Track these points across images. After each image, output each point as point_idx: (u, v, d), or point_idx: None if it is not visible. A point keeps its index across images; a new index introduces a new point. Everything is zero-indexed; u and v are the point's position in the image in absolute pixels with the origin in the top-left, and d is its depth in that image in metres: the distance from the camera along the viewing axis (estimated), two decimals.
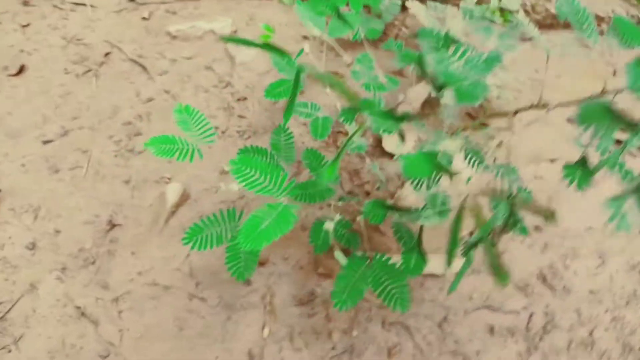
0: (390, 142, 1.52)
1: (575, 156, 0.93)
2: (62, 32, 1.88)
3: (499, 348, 1.20)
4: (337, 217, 1.05)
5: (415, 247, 1.00)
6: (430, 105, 1.65)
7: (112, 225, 1.37)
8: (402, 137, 1.09)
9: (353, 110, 1.01)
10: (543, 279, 1.32)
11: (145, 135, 1.57)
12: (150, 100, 1.67)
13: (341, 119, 1.02)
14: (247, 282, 1.27)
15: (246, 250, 1.08)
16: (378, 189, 1.34)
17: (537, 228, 1.41)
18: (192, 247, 1.07)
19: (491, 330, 1.22)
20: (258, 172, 0.96)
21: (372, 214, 0.99)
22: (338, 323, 1.21)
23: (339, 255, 0.98)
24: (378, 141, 1.57)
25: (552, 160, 1.56)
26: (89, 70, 1.76)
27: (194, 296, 1.24)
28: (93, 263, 1.31)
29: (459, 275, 0.99)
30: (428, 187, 1.05)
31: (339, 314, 1.22)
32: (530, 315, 1.26)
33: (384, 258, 1.05)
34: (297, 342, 1.18)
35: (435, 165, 0.59)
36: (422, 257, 0.99)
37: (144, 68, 1.77)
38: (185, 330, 1.19)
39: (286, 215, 0.93)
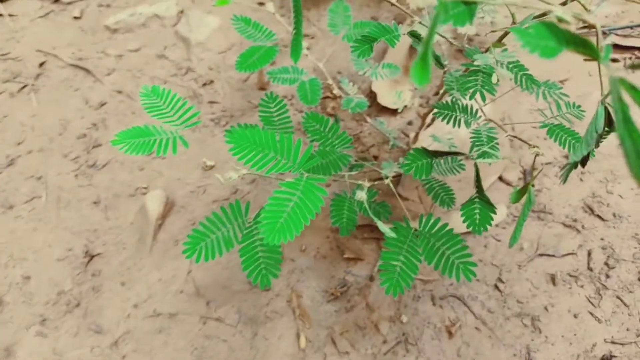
0: (388, 96, 1.31)
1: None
2: None
3: (566, 297, 1.02)
4: (367, 183, 0.84)
5: (478, 195, 0.80)
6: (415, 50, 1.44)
7: (91, 257, 1.13)
8: (437, 61, 0.88)
9: (369, 39, 0.79)
10: (590, 210, 1.14)
11: (106, 145, 1.32)
12: (102, 104, 1.41)
13: (354, 51, 0.79)
14: (265, 288, 1.05)
15: (265, 248, 0.87)
16: (392, 147, 1.13)
17: (567, 157, 1.24)
18: (198, 259, 0.84)
19: (552, 279, 1.04)
20: (264, 146, 0.73)
21: (415, 167, 0.78)
22: (382, 311, 1.01)
23: (383, 227, 0.77)
24: (371, 99, 1.36)
25: (563, 81, 1.38)
26: (25, 86, 1.48)
27: (208, 318, 1.02)
28: (78, 306, 1.06)
29: (522, 218, 0.80)
30: (468, 124, 0.85)
31: (380, 300, 1.02)
32: (589, 254, 1.08)
33: (432, 221, 0.85)
34: (341, 344, 0.98)
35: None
36: (489, 204, 0.79)
37: (87, 71, 1.49)
38: None
39: (312, 191, 0.71)
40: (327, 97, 1.37)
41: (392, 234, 0.78)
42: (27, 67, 1.51)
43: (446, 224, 0.85)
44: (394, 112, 1.31)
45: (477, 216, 0.77)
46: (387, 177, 0.99)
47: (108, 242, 1.14)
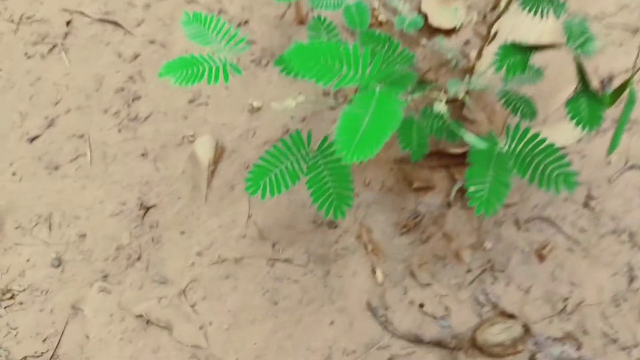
0: (440, 15, 1.20)
1: None
2: (6, 16, 1.51)
3: None
4: (443, 96, 0.75)
5: (584, 88, 0.70)
6: None
7: (146, 209, 1.07)
8: None
9: None
10: None
11: (146, 97, 1.25)
12: (136, 57, 1.33)
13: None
14: (332, 225, 0.98)
15: (334, 177, 0.79)
16: (455, 67, 1.03)
17: None
18: (263, 195, 0.77)
19: None
20: (327, 57, 0.65)
21: (507, 64, 0.69)
22: (462, 239, 0.93)
23: (469, 136, 0.68)
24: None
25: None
26: (54, 47, 1.41)
27: (276, 260, 0.96)
28: (139, 259, 1.02)
29: (623, 120, 0.70)
30: (557, 14, 0.74)
31: (459, 228, 0.94)
32: None
33: (522, 131, 0.75)
34: (421, 276, 0.91)
35: None
36: (597, 99, 0.69)
37: (116, 24, 1.42)
38: (281, 303, 0.92)
39: (388, 103, 0.63)
40: (372, 24, 1.26)
41: (481, 144, 0.69)
42: (54, 28, 1.44)
43: (538, 133, 0.76)
44: (447, 32, 1.20)
45: (585, 111, 0.67)
46: (455, 94, 0.90)
47: (162, 193, 1.08)
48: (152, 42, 1.36)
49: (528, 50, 0.69)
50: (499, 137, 1.05)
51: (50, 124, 1.25)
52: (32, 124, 1.25)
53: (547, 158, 0.74)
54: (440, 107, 0.73)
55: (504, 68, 0.68)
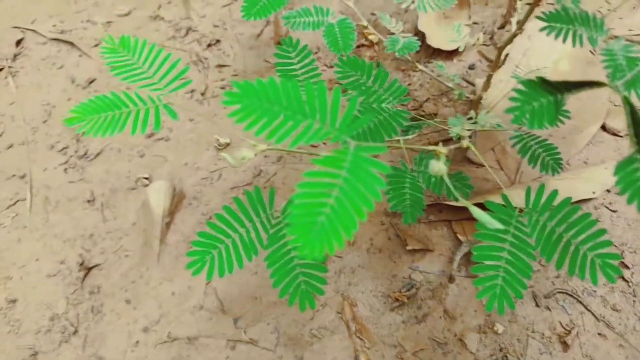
0: (440, 34, 1.03)
1: None
2: None
3: None
4: (443, 148, 0.57)
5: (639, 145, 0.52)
6: None
7: (87, 269, 0.90)
8: None
9: None
10: None
11: None
12: (91, 82, 1.16)
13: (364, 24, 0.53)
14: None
15: (307, 257, 0.61)
16: (459, 97, 0.85)
17: None
18: (209, 275, 0.59)
19: None
20: (284, 105, 0.47)
21: (531, 110, 0.50)
22: (467, 319, 0.75)
23: (482, 215, 0.50)
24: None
25: None
26: (1, 70, 1.25)
27: (238, 341, 0.78)
28: (75, 333, 0.84)
29: None
30: (593, 41, 0.56)
31: (463, 305, 0.76)
32: None
33: (549, 194, 0.58)
34: None
35: None
36: None
37: (71, 45, 1.25)
38: None
39: (364, 167, 0.45)
40: (362, 45, 1.09)
41: (497, 224, 0.51)
42: (2, 47, 1.28)
43: (569, 198, 0.58)
44: (449, 54, 1.03)
45: None
46: (457, 137, 0.72)
47: (107, 250, 0.91)
48: (110, 67, 1.18)
49: (560, 89, 0.51)
50: (511, 187, 0.87)
51: None
52: None
53: (581, 234, 0.56)
54: (438, 167, 0.55)
55: (526, 116, 0.49)
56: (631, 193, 0.50)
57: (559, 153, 0.71)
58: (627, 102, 0.51)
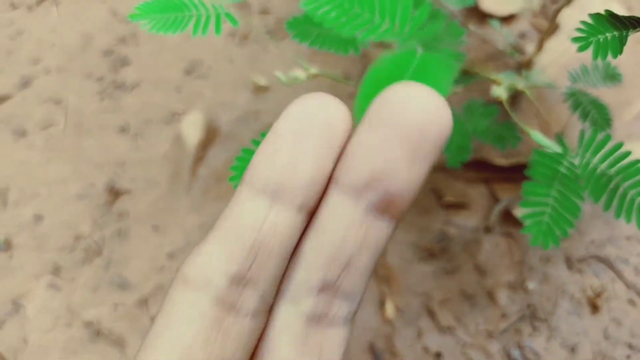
0: None
1: None
2: None
3: None
4: (502, 79, 0.57)
5: None
6: None
7: (117, 194, 0.91)
8: None
9: None
10: None
11: (136, 64, 1.08)
12: None
13: None
14: None
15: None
16: (512, 55, 0.85)
17: None
18: None
19: None
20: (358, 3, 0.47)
21: (595, 42, 0.49)
22: (498, 275, 0.75)
23: (538, 135, 0.50)
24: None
25: None
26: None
27: None
28: (99, 254, 0.86)
29: None
30: None
31: (495, 261, 0.76)
32: None
33: (600, 139, 0.57)
34: (442, 317, 0.73)
35: None
36: None
37: None
38: None
39: (434, 71, 0.44)
40: None
41: (557, 147, 0.51)
42: None
43: (620, 144, 0.58)
44: (501, 20, 1.02)
45: None
46: (512, 89, 0.72)
47: (138, 178, 0.92)
48: None
49: (626, 25, 0.50)
50: None
51: (25, 84, 1.09)
52: (4, 82, 1.10)
53: (630, 179, 0.56)
54: (500, 91, 0.54)
55: (591, 47, 0.49)
56: None
57: (608, 112, 0.70)
58: None
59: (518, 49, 0.98)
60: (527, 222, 0.55)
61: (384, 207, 0.23)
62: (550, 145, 0.50)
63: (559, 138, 0.59)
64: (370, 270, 0.27)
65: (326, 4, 0.47)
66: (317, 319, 0.24)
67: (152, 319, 0.75)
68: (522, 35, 1.00)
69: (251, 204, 0.24)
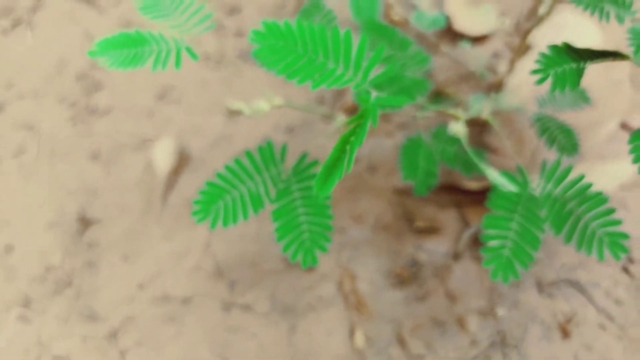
0: (466, 18, 1.02)
1: None
2: None
3: None
4: (461, 113, 0.57)
5: None
6: None
7: (87, 223, 0.91)
8: None
9: None
10: None
11: (110, 89, 1.08)
12: None
13: None
14: (310, 268, 0.81)
15: (310, 209, 0.62)
16: (482, 77, 0.85)
17: None
18: (213, 224, 0.59)
19: None
20: (307, 46, 0.47)
21: (554, 74, 0.50)
22: (468, 301, 0.75)
23: (494, 175, 0.50)
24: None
25: None
26: (19, 23, 1.26)
27: (232, 304, 0.78)
28: (69, 285, 0.85)
29: None
30: (620, 19, 0.56)
31: (466, 287, 0.76)
32: None
33: (562, 170, 0.58)
34: (412, 344, 0.73)
35: None
36: None
37: (90, 3, 1.26)
38: None
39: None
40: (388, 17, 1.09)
41: (510, 186, 0.51)
42: (23, 0, 1.29)
43: (582, 176, 0.58)
44: (474, 41, 1.02)
45: None
46: (478, 113, 0.72)
47: (109, 205, 0.92)
48: (127, 25, 1.19)
49: (584, 57, 0.51)
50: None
51: None
52: None
53: (592, 210, 0.56)
54: (458, 127, 0.55)
55: (550, 79, 0.49)
56: None
57: (576, 137, 0.71)
58: None
59: (491, 69, 0.99)
60: (488, 256, 0.55)
61: None
62: (504, 184, 0.50)
63: (520, 169, 0.59)
64: None
65: (280, 50, 0.47)
66: None
67: (122, 352, 0.74)
68: (496, 55, 1.01)
69: None
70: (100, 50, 0.59)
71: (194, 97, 1.03)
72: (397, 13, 0.98)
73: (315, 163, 0.63)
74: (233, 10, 1.16)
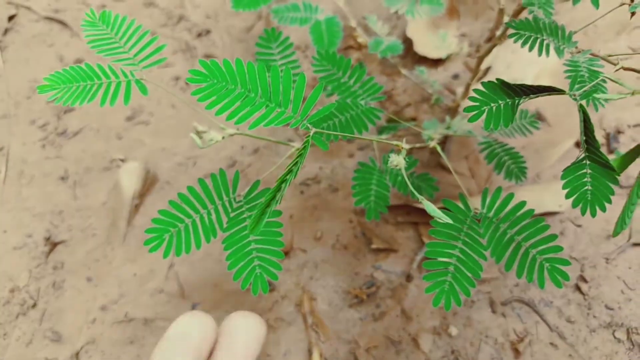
0: (427, 42, 1.05)
1: None
2: None
3: None
4: (405, 145, 0.59)
5: (589, 153, 0.53)
6: None
7: (53, 245, 0.91)
8: None
9: None
10: None
11: (80, 110, 1.10)
12: (78, 62, 1.19)
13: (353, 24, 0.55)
14: (269, 287, 0.82)
15: (261, 237, 0.63)
16: (436, 102, 0.88)
17: None
18: (166, 254, 0.61)
19: None
20: (247, 86, 0.49)
21: (488, 111, 0.51)
22: (422, 320, 0.77)
23: (431, 207, 0.52)
24: (406, 49, 1.10)
25: None
26: None
27: None
28: (34, 306, 0.86)
29: (636, 194, 0.54)
30: (559, 51, 0.59)
31: (420, 306, 0.78)
32: None
33: (503, 198, 0.60)
34: None
35: None
36: (606, 168, 0.52)
37: (64, 25, 1.27)
38: None
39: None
40: (350, 47, 1.12)
41: (446, 219, 0.53)
42: None
43: (523, 202, 0.60)
44: (434, 63, 1.05)
45: (589, 188, 0.51)
46: (430, 139, 0.74)
47: (74, 227, 0.93)
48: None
49: (519, 93, 0.53)
50: (480, 195, 0.90)
51: None
52: None
53: (532, 238, 0.58)
54: (397, 160, 0.57)
55: (483, 116, 0.51)
56: (577, 197, 0.53)
57: (524, 162, 0.73)
58: (582, 109, 0.53)
59: (451, 91, 1.02)
60: (430, 283, 0.57)
61: None
62: (440, 216, 0.52)
63: (462, 197, 0.61)
64: None
65: (220, 90, 0.49)
66: None
67: None
68: (455, 77, 1.04)
69: None
70: (50, 84, 0.60)
71: (163, 119, 1.04)
72: (362, 37, 1.01)
73: (267, 190, 0.64)
74: (202, 33, 1.18)
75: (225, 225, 0.64)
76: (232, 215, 0.64)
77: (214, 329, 0.46)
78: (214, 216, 0.64)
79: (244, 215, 0.65)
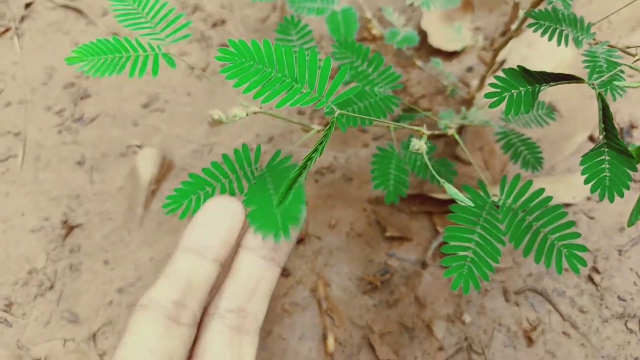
0: (441, 34, 1.06)
1: None
2: None
3: None
4: (426, 130, 0.60)
5: (607, 140, 0.53)
6: None
7: (70, 228, 0.93)
8: None
9: None
10: None
11: (96, 97, 1.11)
12: None
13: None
14: (284, 273, 0.83)
15: (285, 210, 0.64)
16: (451, 94, 0.88)
17: None
18: (182, 216, 0.62)
19: None
20: (274, 67, 0.50)
21: (509, 97, 0.52)
22: (436, 308, 0.78)
23: (453, 190, 0.53)
24: (420, 41, 1.10)
25: None
26: (7, 30, 1.28)
27: None
28: (51, 288, 0.87)
29: None
30: (578, 42, 0.59)
31: (434, 293, 0.79)
32: None
33: (521, 185, 0.61)
34: (381, 350, 0.75)
35: None
36: (625, 155, 0.52)
37: (80, 12, 1.28)
38: None
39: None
40: (364, 38, 1.12)
41: (468, 202, 0.54)
42: (12, 9, 1.31)
43: (542, 189, 0.61)
44: (449, 55, 1.06)
45: (607, 174, 0.51)
46: (447, 128, 0.75)
47: (91, 211, 0.94)
48: (115, 34, 1.22)
49: (539, 80, 0.54)
50: (494, 185, 0.90)
51: None
52: None
53: (551, 224, 0.59)
54: (419, 144, 0.58)
55: (504, 102, 0.52)
56: (596, 183, 0.54)
57: (540, 152, 0.74)
58: (600, 98, 0.54)
59: (465, 83, 1.03)
60: (449, 266, 0.58)
61: (271, 258, 0.47)
62: (464, 200, 0.52)
63: (481, 184, 0.62)
64: (268, 298, 0.47)
65: (247, 69, 0.50)
66: (236, 329, 0.43)
67: (100, 355, 0.76)
68: (470, 69, 1.05)
69: (185, 258, 0.43)
70: (79, 56, 0.61)
71: (179, 106, 1.05)
72: (377, 29, 1.02)
73: (289, 157, 0.65)
74: (217, 23, 1.19)
75: (245, 191, 0.64)
76: (253, 182, 0.64)
77: (242, 212, 0.48)
78: (235, 184, 0.64)
79: (267, 179, 0.64)
